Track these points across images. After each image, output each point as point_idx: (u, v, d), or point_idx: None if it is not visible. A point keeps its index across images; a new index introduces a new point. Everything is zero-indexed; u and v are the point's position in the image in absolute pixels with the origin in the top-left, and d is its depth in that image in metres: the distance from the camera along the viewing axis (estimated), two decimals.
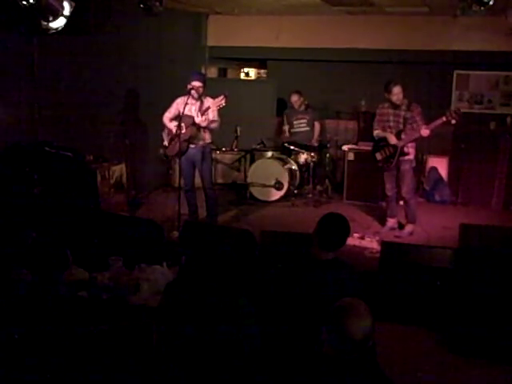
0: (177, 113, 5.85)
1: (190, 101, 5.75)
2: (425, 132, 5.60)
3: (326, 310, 2.17)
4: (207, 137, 5.96)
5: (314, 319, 2.43)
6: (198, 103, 5.82)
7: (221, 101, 5.66)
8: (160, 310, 2.59)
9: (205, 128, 5.83)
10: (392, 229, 6.24)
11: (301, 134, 7.88)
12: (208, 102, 5.79)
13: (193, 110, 5.81)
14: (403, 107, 5.78)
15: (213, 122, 5.83)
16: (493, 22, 6.89)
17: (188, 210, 6.15)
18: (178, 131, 5.72)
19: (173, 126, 5.87)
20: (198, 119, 5.70)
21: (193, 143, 5.86)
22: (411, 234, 6.04)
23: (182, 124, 5.74)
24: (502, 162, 7.38)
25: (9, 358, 2.80)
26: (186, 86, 5.74)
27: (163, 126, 6.03)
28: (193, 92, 5.70)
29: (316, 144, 7.84)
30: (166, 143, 6.03)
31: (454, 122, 5.57)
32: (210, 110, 5.73)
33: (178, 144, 5.76)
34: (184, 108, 5.68)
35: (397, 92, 5.71)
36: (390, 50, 7.91)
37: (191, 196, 6.16)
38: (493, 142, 7.47)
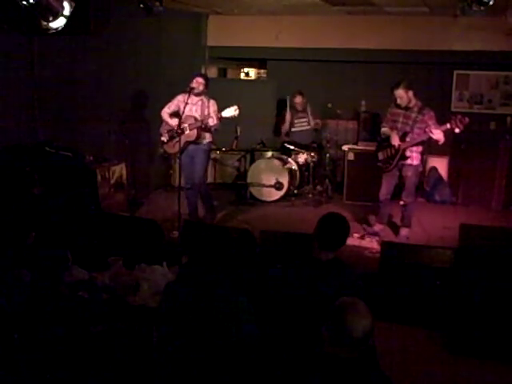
0: (176, 109, 5.89)
1: (191, 101, 5.77)
2: (436, 133, 5.35)
3: (326, 309, 2.17)
4: (208, 136, 6.01)
5: (314, 319, 2.43)
6: (200, 104, 5.83)
7: (235, 111, 5.70)
8: (160, 310, 2.59)
9: (211, 129, 5.88)
10: (374, 233, 5.99)
11: (301, 133, 7.87)
12: (212, 105, 5.85)
13: (193, 110, 5.83)
14: (415, 109, 5.63)
15: (217, 124, 5.88)
16: (493, 21, 6.88)
17: (188, 209, 6.15)
18: (179, 130, 5.72)
19: (173, 123, 5.86)
20: (213, 122, 5.74)
21: (195, 143, 5.90)
22: (407, 237, 5.91)
23: (186, 125, 5.76)
24: (501, 162, 7.37)
25: (9, 358, 2.80)
26: (187, 86, 5.74)
27: (161, 121, 6.03)
28: (194, 84, 5.73)
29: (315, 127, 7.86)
30: (163, 139, 6.03)
31: (457, 130, 5.37)
32: (213, 114, 5.79)
33: (178, 143, 5.76)
34: (184, 107, 5.70)
35: (398, 95, 5.62)
36: (390, 50, 7.90)
37: (192, 194, 6.16)
38: (493, 142, 7.45)
